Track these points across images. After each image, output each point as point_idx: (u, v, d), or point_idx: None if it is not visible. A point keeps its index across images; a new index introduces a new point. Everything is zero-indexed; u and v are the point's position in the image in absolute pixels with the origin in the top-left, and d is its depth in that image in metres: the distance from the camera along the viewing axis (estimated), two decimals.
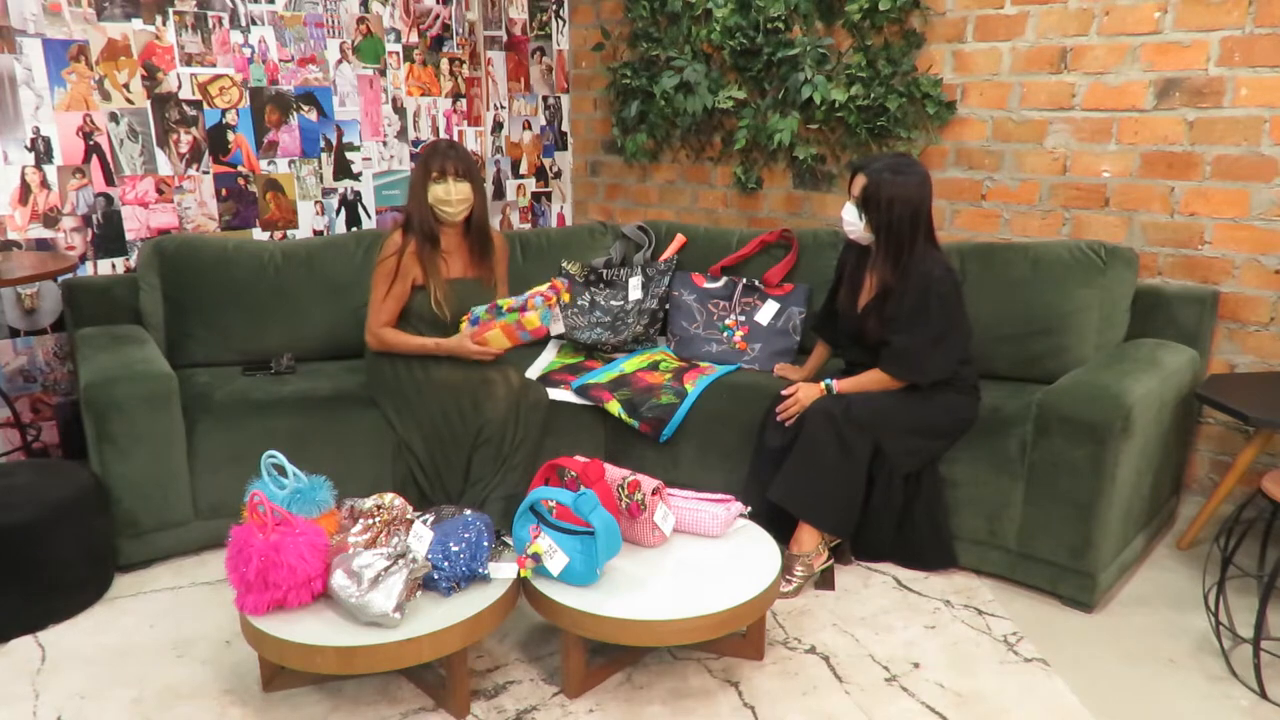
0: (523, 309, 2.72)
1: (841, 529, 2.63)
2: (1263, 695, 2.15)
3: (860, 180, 2.60)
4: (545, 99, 4.58)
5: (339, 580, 1.99)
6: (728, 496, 2.42)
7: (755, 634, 2.31)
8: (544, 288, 2.78)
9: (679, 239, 3.67)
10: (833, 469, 2.55)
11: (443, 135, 4.20)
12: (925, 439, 2.62)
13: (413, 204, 2.83)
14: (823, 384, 2.68)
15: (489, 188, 4.44)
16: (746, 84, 3.85)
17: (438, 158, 2.77)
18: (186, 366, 3.04)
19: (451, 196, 2.78)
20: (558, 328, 2.84)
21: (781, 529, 2.57)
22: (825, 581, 2.65)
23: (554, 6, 4.50)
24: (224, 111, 3.56)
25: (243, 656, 2.28)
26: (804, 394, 2.68)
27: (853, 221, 2.63)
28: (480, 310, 2.81)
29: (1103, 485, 2.41)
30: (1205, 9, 2.85)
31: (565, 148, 4.71)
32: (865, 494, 2.62)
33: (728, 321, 3.38)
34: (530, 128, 4.55)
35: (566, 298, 2.90)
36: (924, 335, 2.56)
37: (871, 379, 2.64)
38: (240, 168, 3.64)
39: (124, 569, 2.73)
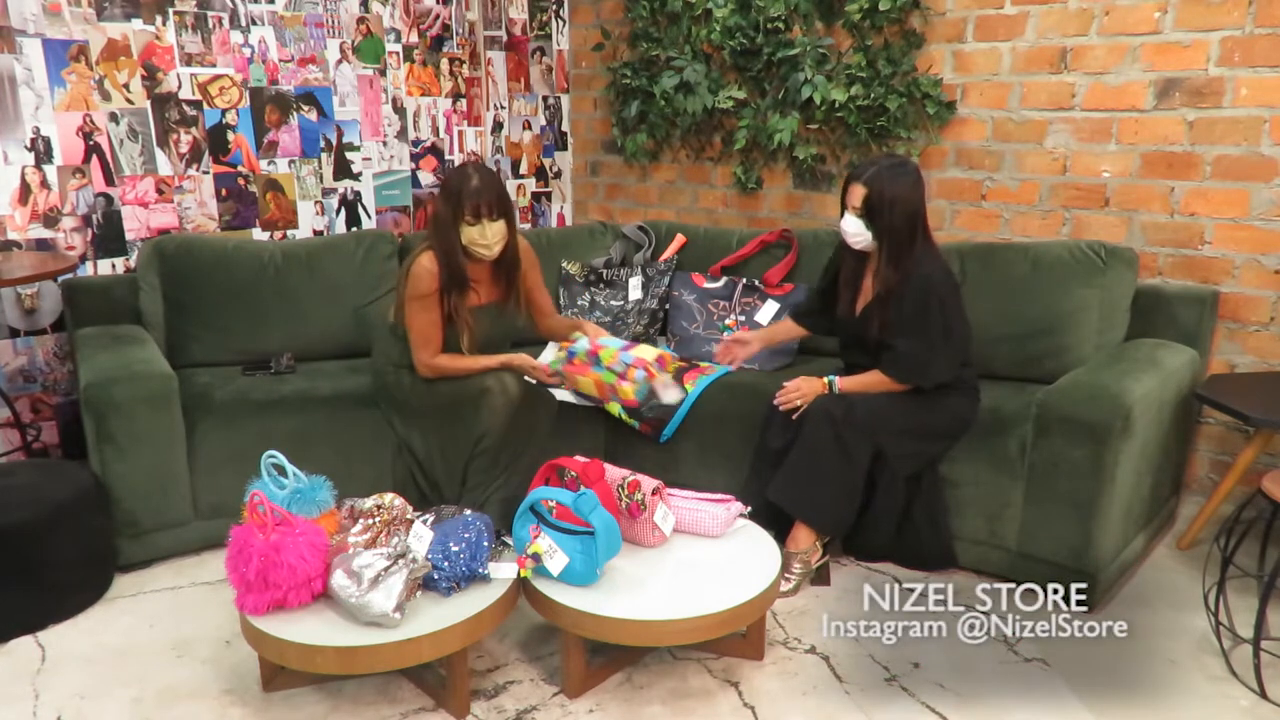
0: (622, 375, 2.60)
1: (837, 529, 2.63)
2: (1263, 695, 2.15)
3: (860, 190, 2.54)
4: (545, 99, 4.58)
5: (339, 580, 1.99)
6: (728, 496, 2.42)
7: (755, 634, 2.31)
8: (652, 358, 2.62)
9: (679, 239, 3.67)
10: (831, 470, 2.54)
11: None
12: (926, 441, 2.62)
13: (439, 243, 2.63)
14: (825, 379, 2.67)
15: None
16: (746, 84, 3.85)
17: (469, 198, 2.56)
18: (186, 366, 3.04)
19: (489, 239, 2.61)
20: (671, 395, 2.71)
21: (781, 528, 2.57)
22: (820, 577, 2.65)
23: (554, 6, 4.50)
24: (224, 111, 3.56)
25: (243, 656, 2.27)
26: (806, 386, 2.66)
27: (857, 232, 2.58)
28: (581, 348, 2.67)
29: (1103, 485, 2.41)
30: (1205, 9, 2.85)
31: (565, 148, 4.71)
32: (868, 496, 2.62)
33: (728, 321, 3.38)
34: (530, 128, 4.55)
35: (673, 368, 2.75)
36: (926, 339, 2.54)
37: (875, 380, 2.62)
38: (240, 168, 3.64)
39: (124, 569, 2.73)
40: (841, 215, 2.63)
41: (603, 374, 2.62)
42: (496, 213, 2.60)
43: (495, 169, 4.42)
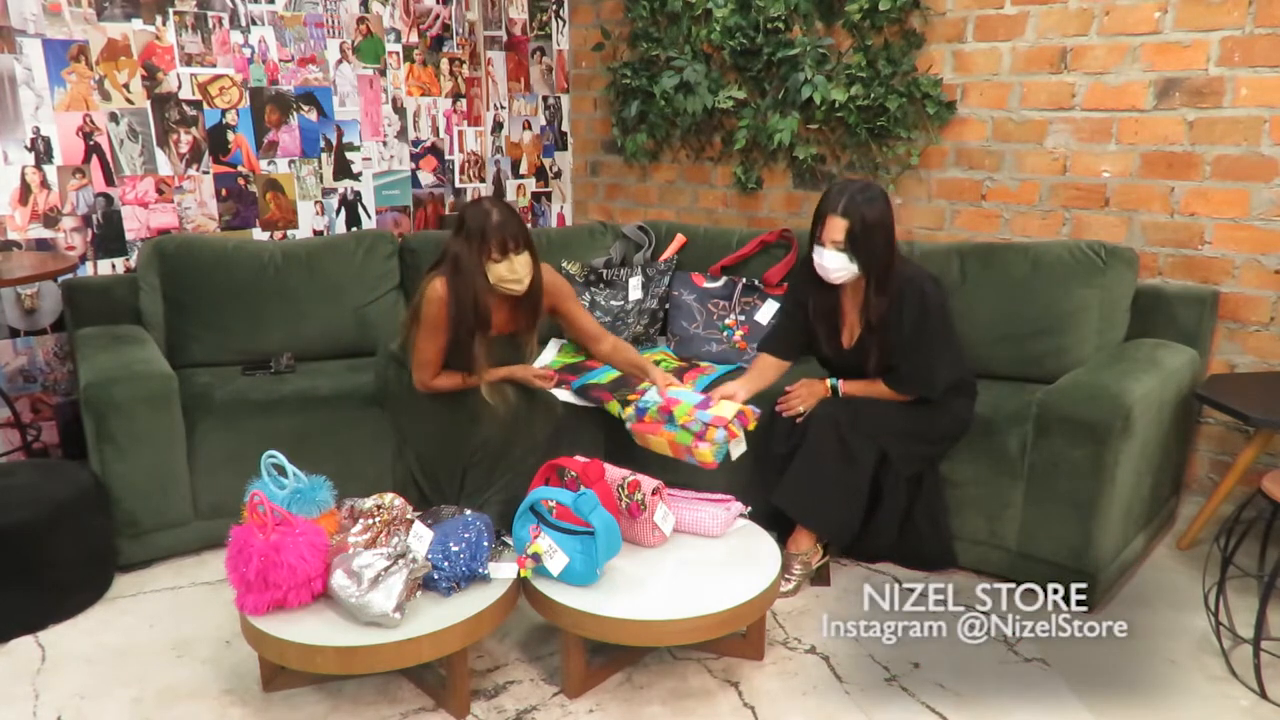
0: (699, 435, 2.42)
1: (842, 536, 2.62)
2: (1263, 695, 2.15)
3: (840, 222, 2.42)
4: (545, 99, 4.58)
5: (339, 580, 1.99)
6: (728, 496, 2.42)
7: (755, 634, 2.31)
8: (731, 415, 2.46)
9: (679, 239, 3.67)
10: (835, 476, 2.53)
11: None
12: (929, 443, 2.61)
13: (460, 283, 2.52)
14: (828, 383, 2.66)
15: (489, 188, 4.45)
16: (746, 84, 3.85)
17: (494, 234, 2.47)
18: (186, 366, 3.04)
19: (520, 273, 2.54)
20: (739, 449, 2.52)
21: (782, 528, 2.57)
22: (821, 577, 2.65)
23: (554, 6, 4.50)
24: (224, 111, 3.56)
25: (243, 656, 2.27)
26: (808, 391, 2.66)
27: (840, 266, 2.46)
28: (652, 402, 2.54)
29: (1103, 485, 2.41)
30: (1205, 9, 2.85)
31: (565, 148, 4.71)
32: (873, 501, 2.60)
33: (728, 321, 3.38)
34: (530, 128, 4.55)
35: (754, 424, 2.56)
36: (930, 351, 2.50)
37: (880, 388, 2.58)
38: (240, 168, 3.64)
39: (124, 569, 2.73)
40: (811, 249, 2.51)
41: (677, 433, 2.44)
42: (522, 245, 2.53)
43: (495, 168, 4.43)
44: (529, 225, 4.55)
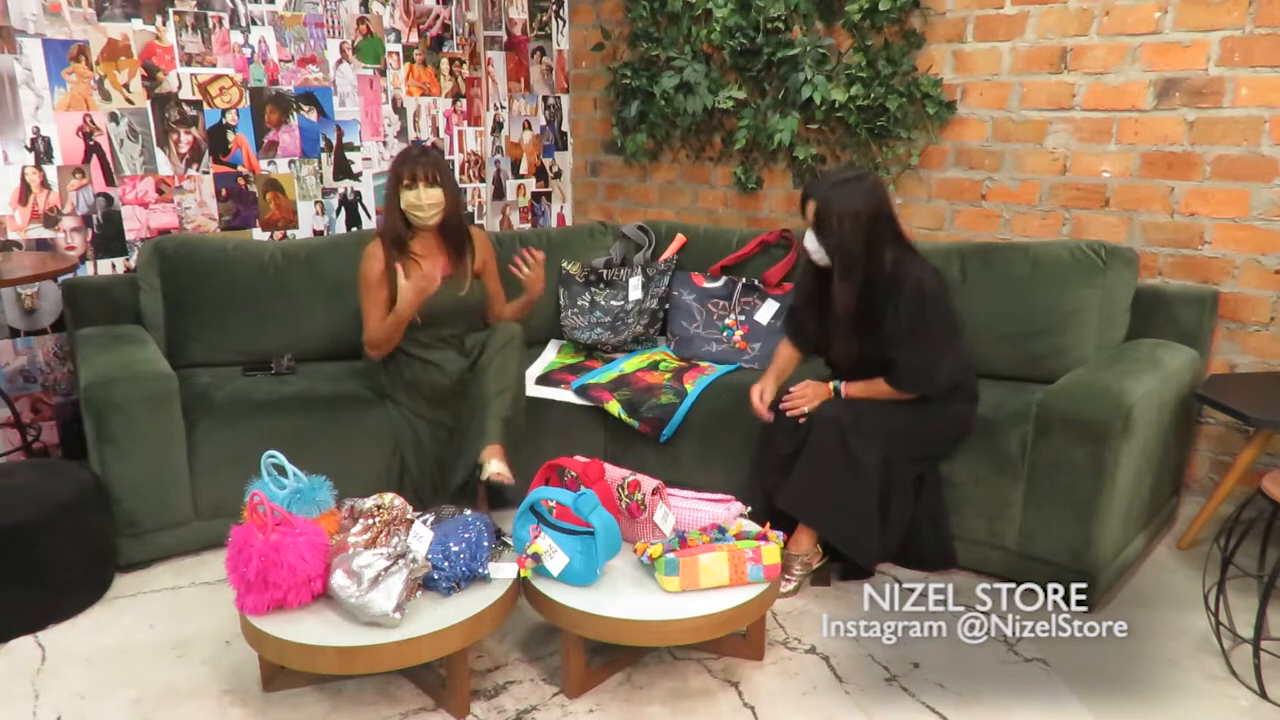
0: (761, 535, 2.23)
1: (867, 557, 2.57)
2: (1263, 695, 2.15)
3: (811, 205, 2.49)
4: (545, 99, 4.58)
5: (339, 580, 1.99)
6: (728, 496, 2.42)
7: (755, 634, 2.31)
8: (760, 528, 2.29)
9: (679, 239, 3.67)
10: (839, 479, 2.51)
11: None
12: (930, 444, 2.61)
13: (385, 211, 2.94)
14: (830, 385, 2.66)
15: (489, 188, 4.44)
16: (746, 84, 3.85)
17: (408, 165, 2.82)
18: (186, 366, 3.04)
19: (423, 202, 2.83)
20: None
21: (781, 528, 2.56)
22: (820, 578, 2.65)
23: (554, 6, 4.50)
24: (224, 111, 3.56)
25: (243, 656, 2.27)
26: (812, 392, 2.64)
27: (816, 248, 2.52)
28: (668, 534, 2.27)
29: (1103, 485, 2.41)
30: (1205, 9, 2.85)
31: (565, 148, 4.70)
32: (885, 509, 2.57)
33: (727, 321, 3.38)
34: (530, 128, 4.55)
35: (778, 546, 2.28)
36: (929, 346, 2.48)
37: (882, 388, 2.57)
38: (240, 168, 3.64)
39: (124, 569, 2.73)
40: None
41: (735, 543, 2.20)
42: (431, 180, 2.82)
43: (495, 168, 4.43)
44: (530, 225, 4.58)
